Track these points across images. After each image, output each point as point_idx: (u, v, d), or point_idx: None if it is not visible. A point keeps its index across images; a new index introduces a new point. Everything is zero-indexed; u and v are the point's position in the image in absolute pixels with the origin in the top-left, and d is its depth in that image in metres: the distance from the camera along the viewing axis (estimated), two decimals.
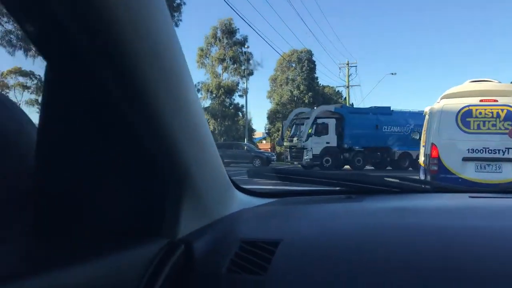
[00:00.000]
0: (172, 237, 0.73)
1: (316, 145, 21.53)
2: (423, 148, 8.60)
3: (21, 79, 34.86)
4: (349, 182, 1.21)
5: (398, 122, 22.57)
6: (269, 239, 0.78)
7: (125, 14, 0.53)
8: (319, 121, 21.92)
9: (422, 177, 8.54)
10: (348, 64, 38.05)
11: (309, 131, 21.61)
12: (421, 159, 8.96)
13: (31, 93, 34.79)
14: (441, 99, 7.71)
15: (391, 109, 23.58)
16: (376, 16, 73.60)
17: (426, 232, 0.78)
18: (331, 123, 21.89)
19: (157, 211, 0.74)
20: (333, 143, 21.71)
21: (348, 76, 37.74)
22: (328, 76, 79.51)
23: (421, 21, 77.60)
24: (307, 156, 21.51)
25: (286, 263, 0.72)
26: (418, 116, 23.09)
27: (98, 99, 0.61)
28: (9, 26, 27.41)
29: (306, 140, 21.55)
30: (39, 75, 32.50)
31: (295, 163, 22.39)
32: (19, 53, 28.50)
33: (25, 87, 34.97)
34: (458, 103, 7.36)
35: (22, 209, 0.67)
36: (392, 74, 38.63)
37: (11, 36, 27.88)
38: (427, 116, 8.60)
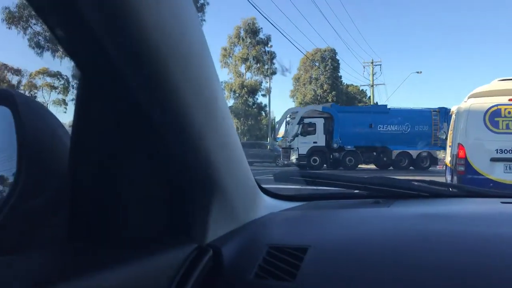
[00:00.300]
0: (200, 242, 0.74)
1: (302, 145, 21.46)
2: (450, 148, 8.45)
3: (48, 80, 35.65)
4: (376, 186, 1.19)
5: (395, 121, 22.14)
6: (297, 245, 0.78)
7: (157, 20, 0.53)
8: (306, 121, 21.82)
9: (448, 177, 8.39)
10: (372, 62, 37.64)
11: (296, 131, 21.56)
12: (447, 159, 8.80)
13: (58, 93, 35.55)
14: (468, 98, 7.55)
15: (388, 107, 23.27)
16: (401, 14, 72.55)
17: (457, 239, 0.76)
18: (319, 122, 21.79)
19: (186, 215, 0.74)
20: (321, 142, 21.61)
21: (373, 74, 37.36)
22: (352, 75, 78.73)
23: (447, 19, 76.16)
24: (293, 156, 21.52)
25: (315, 270, 0.71)
26: (418, 114, 22.68)
27: (129, 105, 0.62)
28: (38, 28, 28.04)
29: (293, 140, 21.51)
30: (66, 76, 33.22)
31: (285, 162, 22.25)
32: (47, 54, 29.16)
33: (52, 87, 35.73)
34: (486, 103, 7.19)
35: (54, 214, 0.68)
36: (418, 72, 37.95)
37: (39, 37, 28.52)
38: (453, 116, 8.43)
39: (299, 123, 21.70)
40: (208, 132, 0.69)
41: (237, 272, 0.74)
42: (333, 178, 1.24)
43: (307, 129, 21.66)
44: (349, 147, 21.75)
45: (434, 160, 22.62)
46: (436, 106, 22.85)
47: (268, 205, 1.02)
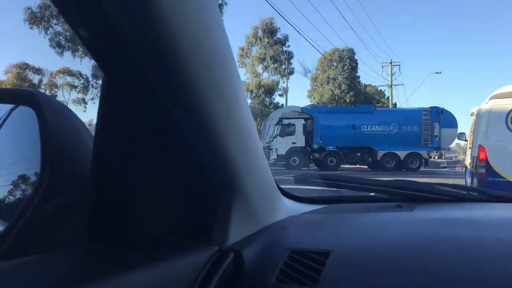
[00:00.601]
0: (221, 245, 0.73)
1: (281, 146, 21.56)
2: (470, 150, 8.32)
3: (69, 79, 36.12)
4: (398, 189, 1.17)
5: (381, 121, 21.91)
6: (319, 249, 0.77)
7: (182, 21, 0.53)
8: (285, 121, 22.00)
9: (468, 180, 8.27)
10: (391, 62, 37.30)
11: (275, 132, 21.70)
12: (468, 161, 8.67)
13: (78, 92, 36.03)
14: (489, 99, 7.43)
15: (373, 108, 23.10)
16: (420, 13, 71.73)
17: (483, 246, 0.74)
18: (298, 123, 21.93)
19: (207, 218, 0.74)
20: (301, 143, 21.72)
21: (391, 75, 37.01)
22: (370, 75, 78.13)
23: (468, 19, 75.09)
24: (272, 156, 21.61)
25: (337, 275, 0.70)
26: (406, 114, 22.34)
27: (152, 107, 0.62)
28: (58, 28, 28.46)
29: (271, 140, 21.61)
30: (86, 75, 33.65)
31: None
32: (67, 54, 29.60)
33: (72, 87, 36.20)
34: (508, 104, 7.07)
35: (76, 215, 0.68)
36: (437, 73, 37.54)
37: (60, 37, 28.96)
38: (474, 117, 8.30)
39: (277, 124, 21.93)
40: (230, 133, 0.68)
41: (258, 276, 0.73)
42: (353, 180, 1.23)
43: (285, 130, 21.87)
44: (330, 147, 21.69)
45: (426, 162, 22.36)
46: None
47: (288, 207, 1.01)
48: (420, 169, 22.06)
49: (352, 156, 22.16)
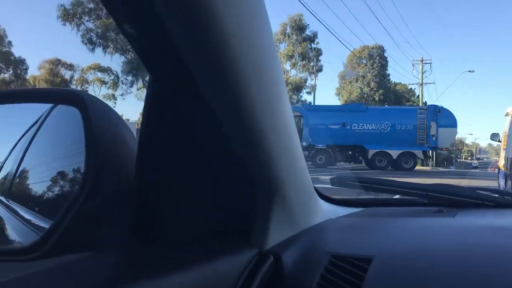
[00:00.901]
0: (260, 248, 0.72)
1: None
2: (504, 151, 8.10)
3: (99, 75, 36.86)
4: (438, 193, 1.14)
5: (373, 120, 21.55)
6: (360, 255, 0.75)
7: (235, 23, 0.52)
8: None
9: (501, 182, 8.06)
10: (422, 60, 36.66)
11: None
12: (501, 162, 8.45)
13: (108, 88, 36.74)
14: None
15: (366, 106, 22.87)
16: (453, 9, 70.19)
17: None
18: None
19: (247, 219, 0.73)
20: None
21: (422, 73, 36.35)
22: (400, 73, 76.88)
23: (502, 14, 73.04)
24: None
25: (380, 281, 0.69)
26: (401, 113, 21.73)
27: (198, 108, 0.62)
28: (90, 25, 29.03)
29: None
30: (116, 71, 34.24)
31: None
32: (98, 50, 30.18)
33: (103, 82, 36.93)
34: None
35: (119, 213, 0.69)
36: (470, 71, 36.70)
37: (92, 34, 29.54)
38: (509, 117, 8.08)
39: None
40: (274, 134, 0.68)
41: (298, 281, 0.72)
42: (391, 184, 1.20)
43: None
44: (320, 145, 21.55)
45: (424, 161, 21.85)
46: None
47: (325, 210, 1.00)
48: (415, 168, 21.64)
49: (343, 154, 22.07)
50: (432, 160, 32.16)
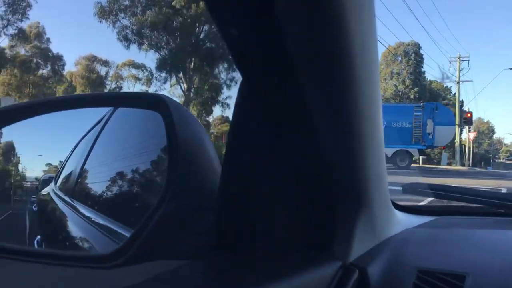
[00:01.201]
0: (344, 260, 0.69)
1: None
2: None
3: (134, 71, 37.50)
4: None
5: None
6: (452, 271, 0.70)
7: (357, 28, 0.50)
8: None
9: None
10: (459, 58, 35.63)
11: None
12: None
13: (142, 84, 37.34)
14: None
15: None
16: (492, 5, 68.15)
17: None
18: None
19: (330, 230, 0.70)
20: None
21: (459, 70, 35.40)
22: (436, 70, 75.14)
23: None
24: None
25: None
26: (396, 110, 21.00)
27: (294, 113, 0.59)
28: (125, 22, 29.53)
29: None
30: (150, 68, 34.73)
31: None
32: (133, 47, 30.64)
33: (137, 79, 37.57)
34: None
35: (201, 221, 0.67)
36: (511, 69, 35.53)
37: (127, 31, 30.03)
38: None
39: None
40: (371, 142, 0.64)
41: None
42: (465, 192, 1.14)
43: None
44: None
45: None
46: None
47: (400, 219, 0.95)
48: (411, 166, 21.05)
49: None
50: (469, 160, 31.39)
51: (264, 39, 0.52)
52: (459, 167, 24.93)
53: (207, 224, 0.66)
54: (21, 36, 30.80)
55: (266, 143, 0.64)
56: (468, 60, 36.14)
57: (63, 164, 1.10)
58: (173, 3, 28.17)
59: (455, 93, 37.30)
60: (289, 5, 0.47)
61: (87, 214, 0.87)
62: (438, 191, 1.13)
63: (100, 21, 29.83)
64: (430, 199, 1.23)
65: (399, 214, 0.99)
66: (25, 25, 30.46)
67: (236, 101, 0.62)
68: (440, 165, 27.74)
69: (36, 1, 27.68)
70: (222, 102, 33.07)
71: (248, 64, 0.58)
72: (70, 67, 38.46)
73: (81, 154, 1.05)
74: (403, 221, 0.96)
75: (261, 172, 0.66)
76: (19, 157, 1.09)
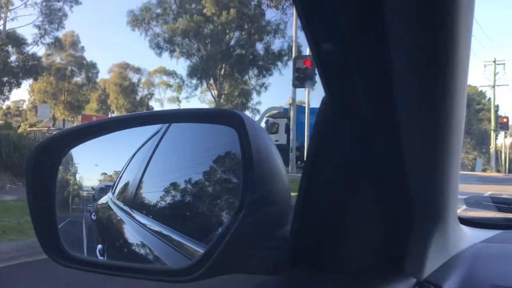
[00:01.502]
0: (418, 277, 0.68)
1: None
2: None
3: (165, 78, 38.07)
4: None
5: None
6: None
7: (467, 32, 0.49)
8: (270, 121, 23.73)
9: None
10: (495, 61, 34.74)
11: None
12: None
13: (173, 91, 37.90)
14: None
15: None
16: None
17: None
18: (282, 123, 23.16)
19: (405, 246, 0.69)
20: (283, 141, 22.09)
21: (495, 74, 34.47)
22: (470, 74, 73.18)
23: None
24: None
25: None
26: None
27: (383, 133, 0.58)
28: (157, 30, 30.00)
29: None
30: (181, 75, 35.17)
31: None
32: (165, 55, 31.13)
33: (168, 85, 38.14)
34: None
35: (274, 236, 0.67)
36: None
37: (159, 39, 30.50)
38: None
39: (265, 123, 23.04)
40: (457, 155, 0.63)
41: None
42: None
43: (270, 129, 22.92)
44: None
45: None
46: None
47: (464, 233, 0.93)
48: None
49: None
50: (504, 166, 30.47)
51: (365, 56, 0.51)
52: (494, 173, 24.22)
53: (281, 239, 0.66)
54: (57, 44, 31.65)
55: (347, 163, 0.63)
56: (504, 64, 35.19)
57: (120, 174, 1.12)
58: (204, 10, 28.47)
59: (490, 98, 36.38)
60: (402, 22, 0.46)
61: (155, 228, 0.87)
62: (501, 203, 1.10)
63: (133, 29, 30.46)
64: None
65: (462, 228, 0.97)
66: (61, 34, 31.31)
67: (318, 121, 0.62)
68: (474, 171, 27.04)
69: (72, 11, 28.40)
70: (252, 108, 33.28)
71: (337, 84, 0.57)
72: (104, 74, 39.40)
73: (139, 165, 1.07)
74: (468, 235, 0.94)
75: (339, 191, 0.66)
76: (76, 167, 1.12)
